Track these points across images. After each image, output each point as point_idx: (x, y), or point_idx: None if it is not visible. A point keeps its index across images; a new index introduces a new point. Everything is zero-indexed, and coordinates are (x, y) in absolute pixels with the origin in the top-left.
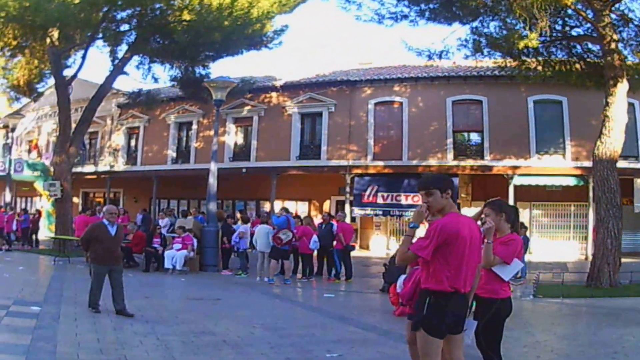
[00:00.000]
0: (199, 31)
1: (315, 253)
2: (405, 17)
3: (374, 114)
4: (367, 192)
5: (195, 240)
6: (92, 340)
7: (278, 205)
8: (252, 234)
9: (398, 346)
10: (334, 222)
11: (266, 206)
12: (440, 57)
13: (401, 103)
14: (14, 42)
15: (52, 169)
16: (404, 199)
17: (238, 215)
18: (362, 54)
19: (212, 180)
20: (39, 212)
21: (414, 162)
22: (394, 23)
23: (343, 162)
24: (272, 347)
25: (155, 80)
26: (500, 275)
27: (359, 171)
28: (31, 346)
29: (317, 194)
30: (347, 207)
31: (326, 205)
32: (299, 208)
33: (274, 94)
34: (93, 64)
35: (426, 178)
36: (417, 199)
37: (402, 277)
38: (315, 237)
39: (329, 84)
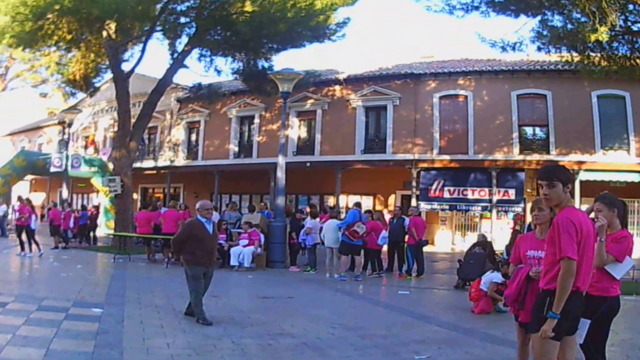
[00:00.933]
0: (262, 22)
1: (385, 248)
2: (476, 8)
3: (439, 108)
4: (434, 187)
5: (262, 236)
6: (162, 345)
7: (343, 199)
8: (320, 230)
9: (485, 346)
10: (406, 217)
11: (330, 201)
12: (514, 49)
13: (466, 97)
14: (69, 36)
15: (110, 165)
16: (470, 194)
17: (307, 210)
18: (423, 48)
19: (281, 174)
20: (97, 209)
21: (480, 156)
22: (464, 14)
23: (409, 156)
24: (357, 350)
25: (218, 72)
26: (612, 274)
27: (425, 165)
28: (95, 354)
29: (381, 188)
30: (413, 201)
31: (391, 200)
32: (364, 203)
33: (337, 88)
34: (150, 58)
35: (549, 168)
36: (483, 193)
37: (488, 275)
38: (384, 233)
39: (392, 77)
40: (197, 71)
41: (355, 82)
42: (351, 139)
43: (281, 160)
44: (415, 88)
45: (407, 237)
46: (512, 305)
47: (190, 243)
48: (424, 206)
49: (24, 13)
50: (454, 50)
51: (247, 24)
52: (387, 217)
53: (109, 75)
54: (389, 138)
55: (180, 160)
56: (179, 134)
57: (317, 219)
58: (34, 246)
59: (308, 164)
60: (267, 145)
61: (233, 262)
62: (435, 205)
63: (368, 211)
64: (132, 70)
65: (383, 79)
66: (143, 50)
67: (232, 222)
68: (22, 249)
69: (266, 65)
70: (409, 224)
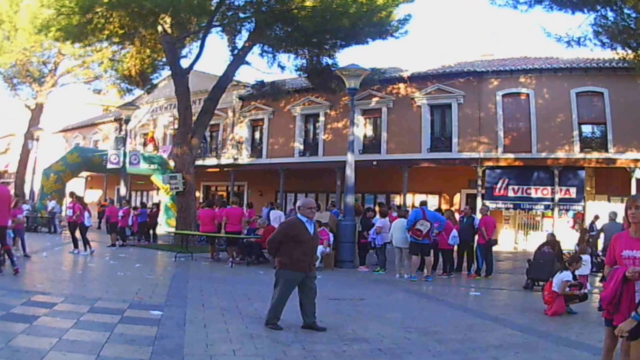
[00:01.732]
0: (325, 18)
1: (455, 247)
2: (539, 2)
3: (502, 106)
4: (498, 185)
5: (331, 235)
6: (227, 352)
7: (409, 198)
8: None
9: (562, 350)
10: (475, 216)
11: (396, 200)
12: (578, 44)
13: (527, 95)
14: (121, 31)
15: (171, 162)
16: (533, 192)
17: (377, 208)
18: (482, 46)
19: (350, 172)
20: (157, 206)
21: (543, 155)
22: (528, 8)
23: (474, 155)
24: (434, 356)
25: (282, 69)
26: None
27: (490, 164)
28: None
29: (447, 187)
30: (478, 200)
31: (456, 199)
32: (429, 202)
33: (401, 85)
34: (208, 55)
35: None
36: (546, 192)
37: (558, 275)
38: (454, 232)
39: (455, 75)
40: (259, 68)
41: (419, 80)
42: (417, 137)
43: (350, 158)
44: (478, 86)
45: (476, 236)
46: (607, 308)
47: (288, 244)
48: (489, 205)
49: (69, 6)
50: (511, 48)
51: (310, 19)
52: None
53: (166, 72)
54: (454, 136)
55: (244, 158)
56: (242, 131)
57: (387, 219)
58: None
59: (374, 163)
60: (332, 144)
61: None
62: (500, 204)
63: (439, 210)
64: (191, 67)
65: (446, 76)
66: (202, 46)
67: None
68: (75, 246)
69: (330, 62)
70: (479, 223)
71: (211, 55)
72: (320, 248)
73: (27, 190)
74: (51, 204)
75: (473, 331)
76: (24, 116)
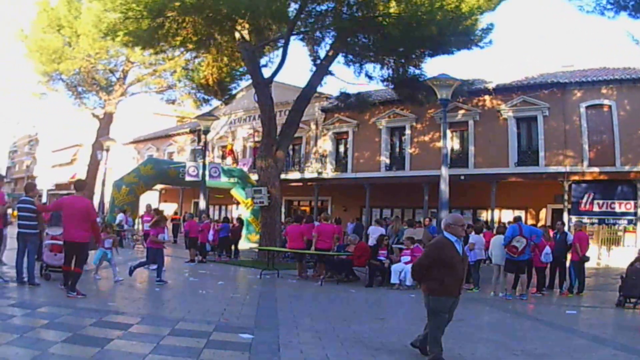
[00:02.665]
0: (412, 25)
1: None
2: (625, 9)
3: (586, 118)
4: (584, 200)
5: None
6: None
7: (496, 214)
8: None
9: None
10: (567, 232)
11: (483, 215)
12: None
13: (610, 106)
14: (195, 37)
15: (251, 176)
16: (617, 207)
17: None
18: (561, 55)
19: (444, 187)
20: (240, 221)
21: (626, 168)
22: (614, 15)
23: (560, 169)
24: None
25: (370, 78)
26: None
27: (575, 178)
28: None
29: (533, 202)
30: (564, 215)
31: (542, 214)
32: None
33: (487, 97)
34: (286, 65)
35: None
36: (628, 206)
37: None
38: (547, 249)
39: (539, 87)
40: (342, 78)
41: (504, 91)
42: (504, 151)
43: (444, 172)
44: (562, 98)
45: (569, 252)
46: None
47: (437, 268)
48: (574, 220)
49: (137, 9)
50: (590, 59)
51: (395, 26)
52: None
53: (244, 82)
54: (540, 150)
55: (329, 173)
56: (325, 145)
57: (481, 235)
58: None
59: (462, 177)
60: (419, 158)
61: (394, 279)
62: (585, 219)
63: (542, 226)
64: (273, 75)
65: (531, 88)
66: (284, 55)
67: (375, 237)
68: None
69: (416, 72)
70: (574, 239)
71: (290, 65)
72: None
73: (96, 203)
74: (119, 217)
75: (578, 352)
76: (91, 126)
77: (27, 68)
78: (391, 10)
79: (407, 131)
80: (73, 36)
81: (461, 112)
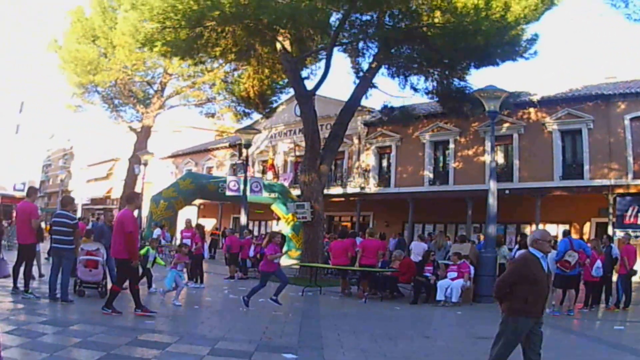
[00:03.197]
0: (457, 35)
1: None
2: None
3: (631, 130)
4: (629, 213)
5: (472, 268)
6: None
7: (540, 228)
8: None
9: None
10: (613, 245)
11: (527, 230)
12: None
13: None
14: (235, 48)
15: (292, 190)
16: None
17: (517, 239)
18: (604, 67)
19: (492, 201)
20: (283, 237)
21: None
22: None
23: (605, 182)
24: None
25: (415, 90)
26: None
27: (620, 190)
28: None
29: (577, 215)
30: (609, 229)
31: (586, 228)
32: (559, 231)
33: (531, 110)
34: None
35: None
36: None
37: None
38: (598, 263)
39: (583, 99)
40: (386, 90)
41: (548, 104)
42: (549, 165)
43: (492, 186)
44: (606, 110)
45: (616, 266)
46: None
47: (521, 286)
48: (619, 234)
49: (175, 19)
50: (633, 70)
51: (441, 37)
52: None
53: (285, 96)
54: (585, 163)
55: (371, 187)
56: (368, 159)
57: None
58: (200, 276)
59: (507, 192)
60: (462, 172)
61: (439, 296)
62: (630, 233)
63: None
64: (316, 88)
65: (575, 100)
66: (327, 66)
67: (418, 253)
68: (190, 278)
69: (462, 84)
70: (622, 252)
71: (330, 79)
72: (460, 282)
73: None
74: (156, 232)
75: None
76: (128, 140)
77: (62, 80)
78: (436, 21)
79: (451, 145)
80: (109, 47)
81: (506, 125)
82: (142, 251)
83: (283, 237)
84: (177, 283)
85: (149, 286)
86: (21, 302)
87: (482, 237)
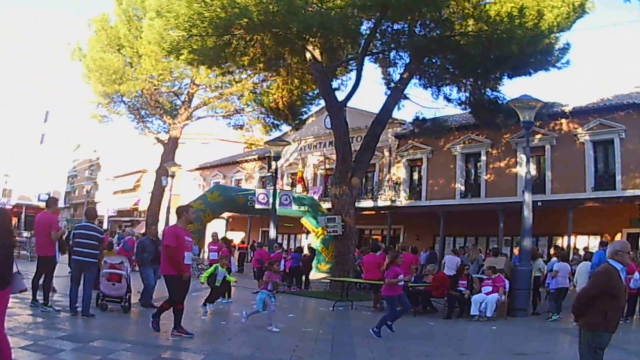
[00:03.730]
0: (491, 43)
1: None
2: None
3: None
4: None
5: (507, 282)
6: None
7: (572, 240)
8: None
9: None
10: None
11: (558, 242)
12: None
13: None
14: (263, 58)
15: (321, 204)
16: None
17: (552, 251)
18: (633, 77)
19: (527, 213)
20: (311, 250)
21: None
22: None
23: (637, 192)
24: None
25: (449, 101)
26: None
27: None
28: None
29: (608, 226)
30: None
31: (618, 239)
32: (591, 243)
33: (563, 121)
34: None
35: None
36: None
37: None
38: (637, 275)
39: (615, 109)
40: (417, 101)
41: (580, 114)
42: (581, 176)
43: (527, 198)
44: (638, 119)
45: None
46: None
47: (602, 299)
48: None
49: (202, 26)
50: None
51: (474, 45)
52: None
53: (314, 107)
54: (617, 173)
55: (402, 200)
56: (399, 172)
57: (566, 263)
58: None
59: (539, 204)
60: (495, 184)
61: (474, 311)
62: None
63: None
64: (348, 98)
65: (607, 110)
66: (358, 76)
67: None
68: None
69: (494, 95)
70: None
71: (359, 91)
72: (495, 296)
73: (160, 230)
74: None
75: None
76: (155, 151)
77: (87, 90)
78: (469, 29)
79: (483, 157)
80: (134, 56)
81: (538, 136)
82: (210, 270)
83: (313, 250)
84: (267, 305)
85: (207, 303)
86: (40, 315)
87: (517, 251)
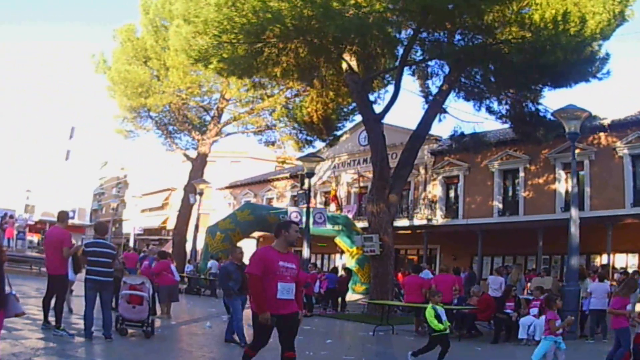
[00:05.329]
0: (536, 50)
1: None
2: None
3: None
4: None
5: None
6: None
7: (611, 258)
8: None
9: None
10: None
11: (596, 260)
12: None
13: None
14: (296, 69)
15: (355, 223)
16: None
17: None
18: None
19: (574, 230)
20: (348, 271)
21: None
22: None
23: None
24: None
25: (491, 113)
26: None
27: None
28: None
29: None
30: None
31: None
32: (629, 261)
33: (601, 135)
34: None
35: None
36: None
37: None
38: None
39: None
40: (455, 115)
41: (618, 127)
42: (620, 192)
43: (574, 214)
44: None
45: None
46: None
47: None
48: None
49: (233, 32)
50: None
51: (518, 53)
52: None
53: (349, 124)
54: None
55: (438, 219)
56: (435, 190)
57: (607, 282)
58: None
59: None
60: (533, 202)
61: (521, 334)
62: None
63: None
64: (385, 111)
65: None
66: (397, 88)
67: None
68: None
69: (535, 107)
70: None
71: (395, 107)
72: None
73: (188, 249)
74: (210, 264)
75: None
76: (184, 169)
77: (113, 105)
78: (511, 37)
79: (521, 173)
80: (161, 69)
81: (577, 151)
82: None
83: (349, 271)
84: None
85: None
86: (51, 339)
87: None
